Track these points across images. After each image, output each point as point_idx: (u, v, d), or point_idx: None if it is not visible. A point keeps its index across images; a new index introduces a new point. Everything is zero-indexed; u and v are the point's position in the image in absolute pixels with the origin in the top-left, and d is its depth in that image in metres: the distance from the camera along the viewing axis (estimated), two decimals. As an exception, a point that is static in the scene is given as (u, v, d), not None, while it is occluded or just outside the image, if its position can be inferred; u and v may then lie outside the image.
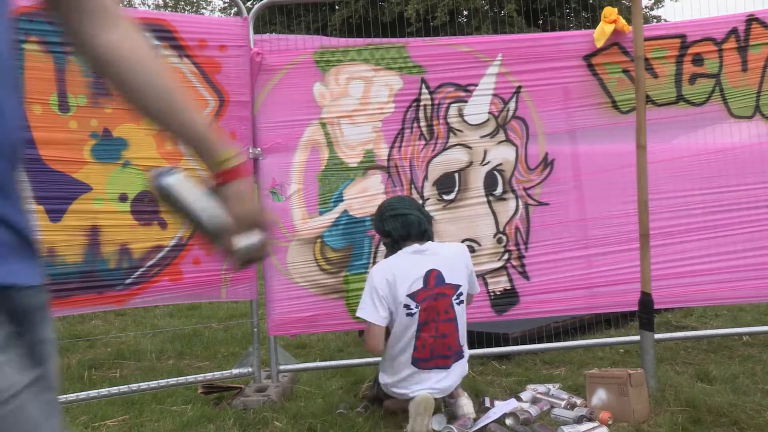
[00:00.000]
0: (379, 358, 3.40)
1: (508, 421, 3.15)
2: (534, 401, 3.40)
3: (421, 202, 3.91)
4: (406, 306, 3.17)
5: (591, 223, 3.97)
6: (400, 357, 3.20)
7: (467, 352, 3.32)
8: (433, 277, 3.21)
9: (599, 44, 3.87)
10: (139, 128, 3.61)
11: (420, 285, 3.19)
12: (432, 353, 3.18)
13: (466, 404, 3.22)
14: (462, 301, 3.26)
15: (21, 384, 0.82)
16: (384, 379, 3.29)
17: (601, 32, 3.86)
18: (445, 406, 3.29)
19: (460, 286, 3.25)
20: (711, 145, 3.97)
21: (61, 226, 3.44)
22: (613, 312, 4.62)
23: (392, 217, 3.30)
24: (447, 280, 3.22)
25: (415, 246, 3.28)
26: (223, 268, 3.78)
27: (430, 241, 3.33)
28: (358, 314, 3.29)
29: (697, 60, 3.93)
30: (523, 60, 3.93)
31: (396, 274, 3.20)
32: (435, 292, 3.19)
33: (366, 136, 3.91)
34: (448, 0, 16.36)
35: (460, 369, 3.28)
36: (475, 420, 3.15)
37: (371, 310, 3.20)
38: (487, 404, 3.34)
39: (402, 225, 3.28)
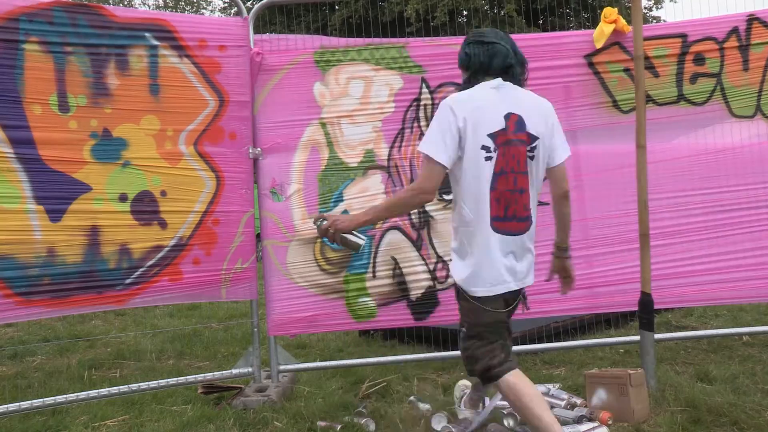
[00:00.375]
0: (381, 359, 3.39)
1: (508, 422, 3.14)
2: None
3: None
4: (485, 147, 2.61)
5: (591, 223, 3.97)
6: (476, 218, 2.62)
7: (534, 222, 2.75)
8: (513, 121, 2.66)
9: (599, 45, 3.87)
10: (138, 128, 3.61)
11: (501, 125, 2.64)
12: (507, 211, 2.63)
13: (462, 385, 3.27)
14: (534, 157, 2.69)
15: None
16: (465, 280, 2.66)
17: (601, 33, 3.86)
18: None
19: (537, 138, 2.69)
20: (711, 144, 3.96)
21: (61, 226, 3.44)
22: (613, 312, 4.62)
23: (477, 43, 2.74)
24: (527, 128, 2.68)
25: (497, 81, 2.71)
26: (224, 268, 3.79)
27: (511, 83, 2.74)
28: (420, 148, 2.65)
29: (698, 59, 3.93)
30: (523, 60, 3.92)
31: (479, 107, 2.64)
32: (515, 137, 2.65)
33: (366, 135, 3.91)
34: (447, 0, 16.35)
35: (531, 241, 2.73)
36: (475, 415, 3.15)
37: (439, 147, 2.59)
38: (487, 404, 3.34)
39: (485, 52, 2.71)
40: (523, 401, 2.56)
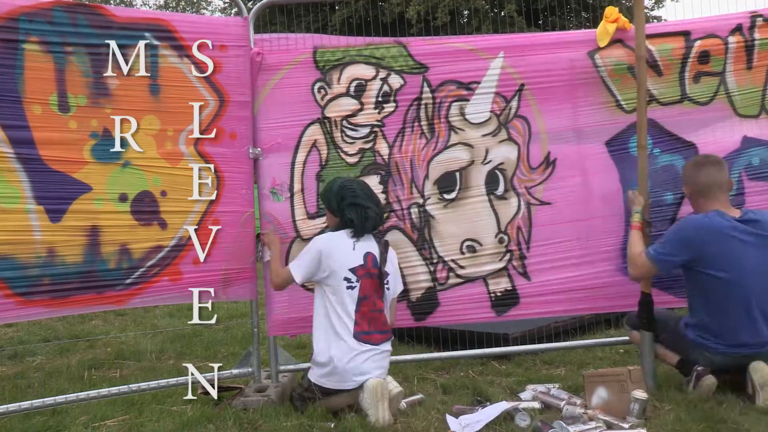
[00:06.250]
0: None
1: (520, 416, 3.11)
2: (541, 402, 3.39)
3: (422, 200, 3.91)
4: (347, 279, 3.36)
5: (594, 223, 3.95)
6: (341, 332, 3.32)
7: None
8: (370, 259, 3.42)
9: (602, 44, 3.84)
10: (139, 128, 3.60)
11: (360, 262, 3.39)
12: (370, 325, 3.35)
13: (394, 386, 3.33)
14: (389, 288, 3.47)
15: None
16: (317, 374, 3.38)
17: (604, 32, 3.84)
18: None
19: (388, 274, 3.47)
20: (715, 144, 3.93)
21: (61, 226, 3.43)
22: (613, 312, 4.61)
23: (353, 206, 3.44)
24: (380, 266, 3.43)
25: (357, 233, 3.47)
26: (224, 268, 3.78)
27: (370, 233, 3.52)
28: (289, 266, 3.50)
29: (702, 58, 3.89)
30: (525, 58, 3.90)
31: (341, 248, 3.41)
32: (372, 270, 3.40)
33: (366, 135, 3.90)
34: (448, 0, 16.36)
35: (389, 349, 3.45)
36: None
37: (301, 269, 3.43)
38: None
39: (362, 218, 3.44)
40: None
